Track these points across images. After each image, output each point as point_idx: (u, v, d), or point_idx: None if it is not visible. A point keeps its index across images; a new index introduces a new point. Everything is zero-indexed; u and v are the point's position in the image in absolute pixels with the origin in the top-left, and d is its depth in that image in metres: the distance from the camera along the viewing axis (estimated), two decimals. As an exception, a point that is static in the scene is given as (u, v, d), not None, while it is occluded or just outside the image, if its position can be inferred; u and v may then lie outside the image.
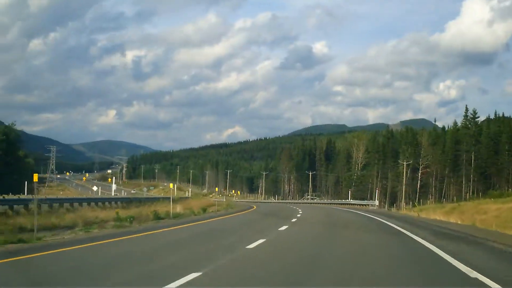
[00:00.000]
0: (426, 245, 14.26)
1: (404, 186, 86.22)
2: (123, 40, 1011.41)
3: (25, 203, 30.96)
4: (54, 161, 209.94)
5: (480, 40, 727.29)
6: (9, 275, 8.91)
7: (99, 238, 15.37)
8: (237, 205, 63.98)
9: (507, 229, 20.41)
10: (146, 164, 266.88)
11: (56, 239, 15.03)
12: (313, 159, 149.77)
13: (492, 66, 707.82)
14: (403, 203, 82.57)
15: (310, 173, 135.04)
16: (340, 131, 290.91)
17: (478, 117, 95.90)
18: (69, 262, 10.63)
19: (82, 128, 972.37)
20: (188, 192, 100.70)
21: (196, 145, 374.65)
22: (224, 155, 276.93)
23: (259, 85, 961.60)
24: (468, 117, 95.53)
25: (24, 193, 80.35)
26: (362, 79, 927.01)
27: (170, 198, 60.57)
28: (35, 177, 18.87)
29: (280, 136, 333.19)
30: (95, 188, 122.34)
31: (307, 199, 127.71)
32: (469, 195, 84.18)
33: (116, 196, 60.79)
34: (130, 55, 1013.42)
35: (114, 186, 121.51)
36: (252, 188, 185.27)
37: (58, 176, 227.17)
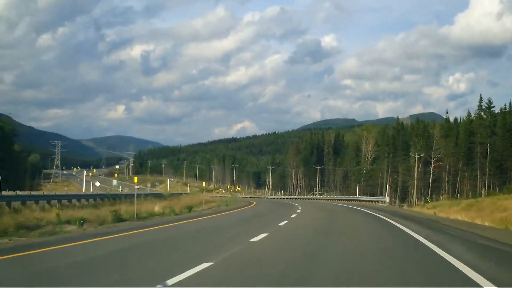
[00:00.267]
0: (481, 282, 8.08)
1: (416, 181, 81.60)
2: (132, 35, 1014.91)
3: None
4: (59, 157, 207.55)
5: (489, 32, 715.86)
6: None
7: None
8: (236, 202, 59.92)
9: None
10: (153, 159, 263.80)
11: None
12: (321, 153, 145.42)
13: (502, 59, 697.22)
14: (414, 199, 78.18)
15: (318, 167, 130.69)
16: (350, 125, 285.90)
17: (494, 106, 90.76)
18: None
19: (92, 123, 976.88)
20: (188, 188, 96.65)
21: (205, 140, 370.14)
22: (232, 149, 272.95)
23: (268, 79, 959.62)
24: (483, 107, 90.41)
25: (21, 190, 77.19)
26: (371, 73, 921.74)
27: (161, 194, 56.40)
28: None
29: (289, 130, 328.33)
30: (97, 183, 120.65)
31: (315, 194, 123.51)
32: (485, 190, 79.27)
33: (93, 193, 55.53)
34: (138, 49, 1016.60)
35: (114, 182, 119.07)
36: (259, 183, 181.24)
37: (65, 172, 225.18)
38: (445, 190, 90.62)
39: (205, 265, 9.37)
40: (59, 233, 16.11)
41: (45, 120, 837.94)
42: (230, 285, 8.01)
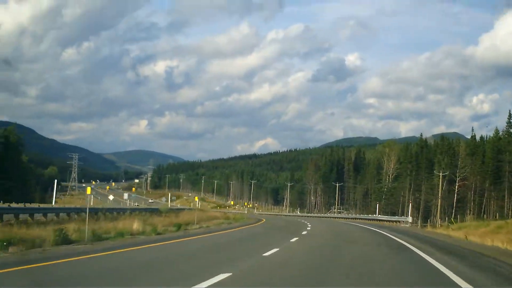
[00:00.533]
0: None
1: (439, 200, 77.09)
2: (156, 51, 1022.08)
3: None
4: (76, 170, 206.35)
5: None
6: None
7: None
8: (245, 219, 56.34)
9: None
10: (172, 173, 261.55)
11: None
12: (342, 170, 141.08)
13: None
14: (438, 219, 73.73)
15: (338, 184, 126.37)
16: (372, 143, 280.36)
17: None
18: None
19: (114, 137, 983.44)
20: (198, 203, 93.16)
21: (226, 156, 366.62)
22: (252, 166, 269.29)
23: (291, 96, 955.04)
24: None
25: (30, 202, 74.49)
26: (395, 92, 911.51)
27: (156, 209, 52.65)
28: None
29: (311, 148, 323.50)
30: (111, 197, 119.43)
31: (334, 212, 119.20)
32: (513, 211, 74.53)
33: (66, 207, 50.41)
34: (162, 65, 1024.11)
35: (125, 195, 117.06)
36: (277, 199, 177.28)
37: (84, 185, 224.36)
38: (470, 210, 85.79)
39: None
40: None
41: (68, 133, 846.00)
42: None
